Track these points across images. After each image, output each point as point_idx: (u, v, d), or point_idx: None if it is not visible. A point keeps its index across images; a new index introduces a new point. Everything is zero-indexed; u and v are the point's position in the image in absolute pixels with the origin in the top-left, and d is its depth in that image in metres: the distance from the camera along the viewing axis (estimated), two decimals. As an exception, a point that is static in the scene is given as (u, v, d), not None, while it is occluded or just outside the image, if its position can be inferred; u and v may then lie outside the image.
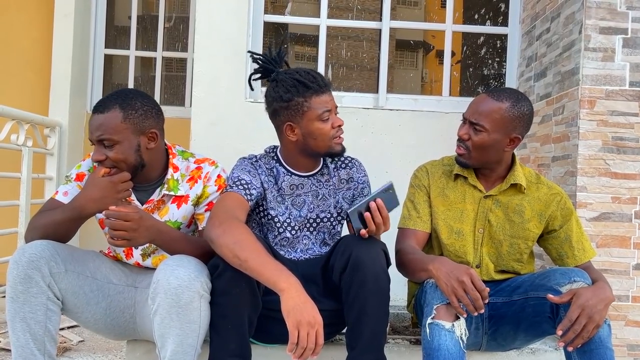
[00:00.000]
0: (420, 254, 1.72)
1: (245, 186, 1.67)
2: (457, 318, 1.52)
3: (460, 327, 1.51)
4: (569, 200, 1.84)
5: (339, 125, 1.74)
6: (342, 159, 1.89)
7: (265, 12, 3.04)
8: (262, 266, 1.44)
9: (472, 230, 1.81)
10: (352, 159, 1.90)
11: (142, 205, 1.67)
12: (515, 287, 1.76)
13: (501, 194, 1.81)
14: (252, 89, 1.89)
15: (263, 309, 1.58)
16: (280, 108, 1.71)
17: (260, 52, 2.60)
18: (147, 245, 1.68)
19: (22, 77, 3.69)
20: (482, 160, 1.76)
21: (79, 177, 1.69)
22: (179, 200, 1.69)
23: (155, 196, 1.68)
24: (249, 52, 1.92)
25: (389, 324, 2.62)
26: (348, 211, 1.55)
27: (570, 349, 1.54)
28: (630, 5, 2.30)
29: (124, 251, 1.74)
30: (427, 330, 1.50)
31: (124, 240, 1.47)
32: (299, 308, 1.40)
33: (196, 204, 1.70)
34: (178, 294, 1.43)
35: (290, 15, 3.46)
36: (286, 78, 1.72)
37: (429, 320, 1.51)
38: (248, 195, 1.66)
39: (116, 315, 1.67)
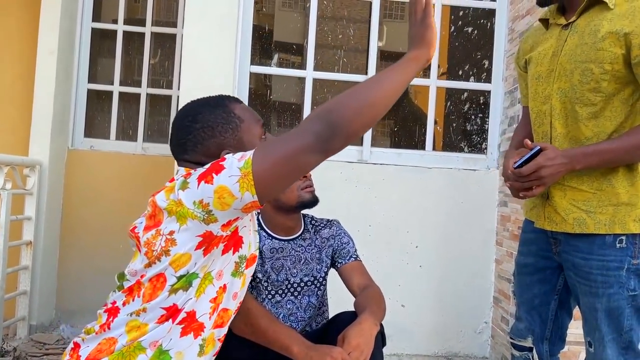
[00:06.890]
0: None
1: None
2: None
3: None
4: None
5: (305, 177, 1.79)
6: (322, 220, 1.92)
7: (252, 63, 3.06)
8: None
9: (548, 69, 1.57)
10: (331, 219, 1.94)
11: None
12: None
13: (581, 18, 1.52)
14: None
15: None
16: None
17: (247, 102, 2.63)
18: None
19: (4, 113, 3.63)
20: None
21: None
22: None
23: None
24: None
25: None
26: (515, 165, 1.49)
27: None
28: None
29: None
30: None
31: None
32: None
33: None
34: None
35: (276, 67, 3.47)
36: None
37: (508, 339, 1.78)
38: None
39: None
